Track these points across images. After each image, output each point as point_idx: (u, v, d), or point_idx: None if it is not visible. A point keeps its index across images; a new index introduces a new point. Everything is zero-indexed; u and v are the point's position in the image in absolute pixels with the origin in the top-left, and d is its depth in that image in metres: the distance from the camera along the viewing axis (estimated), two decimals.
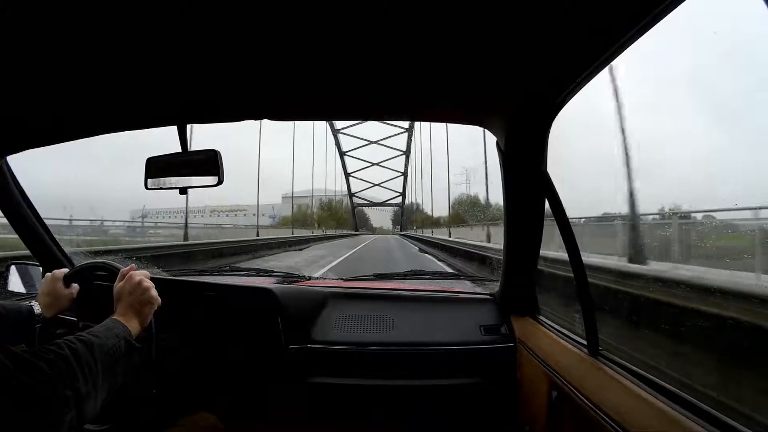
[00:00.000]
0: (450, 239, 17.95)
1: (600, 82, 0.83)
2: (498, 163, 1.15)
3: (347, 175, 58.20)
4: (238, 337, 1.32)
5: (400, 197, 62.24)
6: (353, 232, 54.11)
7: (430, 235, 26.98)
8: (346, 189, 60.30)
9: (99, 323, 0.81)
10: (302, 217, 48.87)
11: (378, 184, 62.49)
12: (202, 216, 40.16)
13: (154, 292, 0.94)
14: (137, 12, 0.64)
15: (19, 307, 1.00)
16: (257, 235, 20.83)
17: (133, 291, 0.92)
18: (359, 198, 63.06)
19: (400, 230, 59.03)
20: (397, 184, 62.67)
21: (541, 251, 1.23)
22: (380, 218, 75.71)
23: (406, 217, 60.48)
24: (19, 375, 0.58)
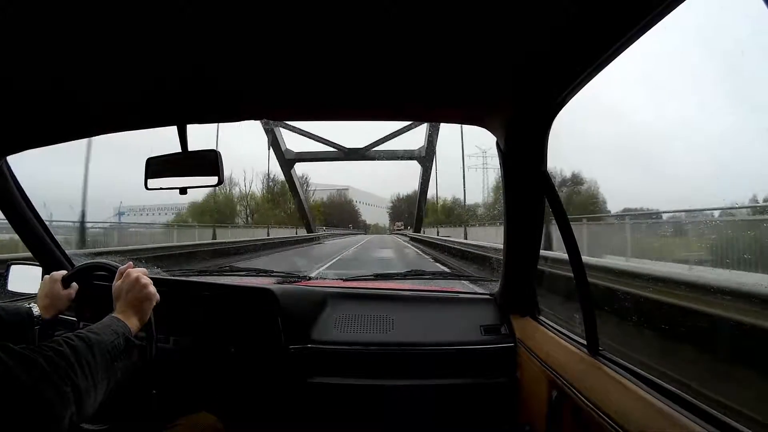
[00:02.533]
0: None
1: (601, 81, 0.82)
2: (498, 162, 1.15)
3: None
4: (238, 337, 1.32)
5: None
6: (298, 236, 24.44)
7: None
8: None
9: None
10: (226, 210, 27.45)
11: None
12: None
13: (152, 288, 0.94)
14: (137, 12, 0.64)
15: (18, 309, 1.00)
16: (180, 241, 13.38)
17: (131, 288, 0.92)
18: (296, 131, 23.97)
19: (414, 230, 29.32)
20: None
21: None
22: (375, 214, 53.46)
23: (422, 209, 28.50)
24: (18, 372, 0.58)
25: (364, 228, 50.65)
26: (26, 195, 1.41)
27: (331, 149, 26.31)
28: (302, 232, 27.26)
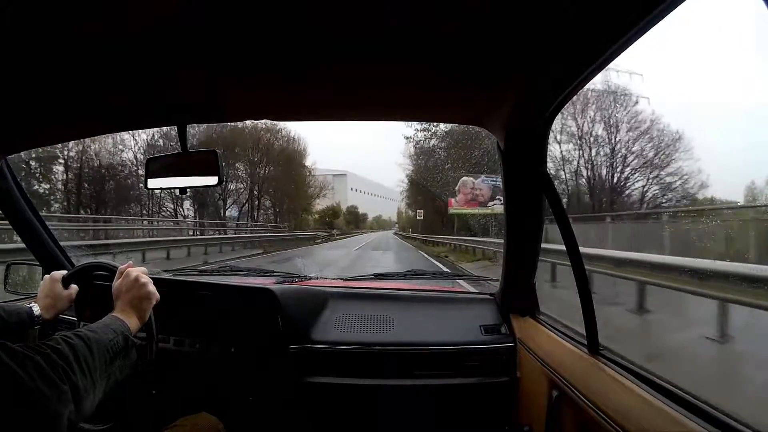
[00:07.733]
0: None
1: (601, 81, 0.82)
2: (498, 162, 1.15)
3: None
4: (238, 337, 1.32)
5: None
6: None
7: None
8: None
9: None
10: None
11: None
12: None
13: (151, 287, 0.95)
14: (137, 11, 0.64)
15: (18, 309, 1.00)
16: None
17: (131, 287, 0.92)
18: None
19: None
20: None
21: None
22: (377, 204, 41.86)
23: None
24: (17, 370, 0.58)
25: (355, 223, 33.12)
26: (26, 195, 1.41)
27: None
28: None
